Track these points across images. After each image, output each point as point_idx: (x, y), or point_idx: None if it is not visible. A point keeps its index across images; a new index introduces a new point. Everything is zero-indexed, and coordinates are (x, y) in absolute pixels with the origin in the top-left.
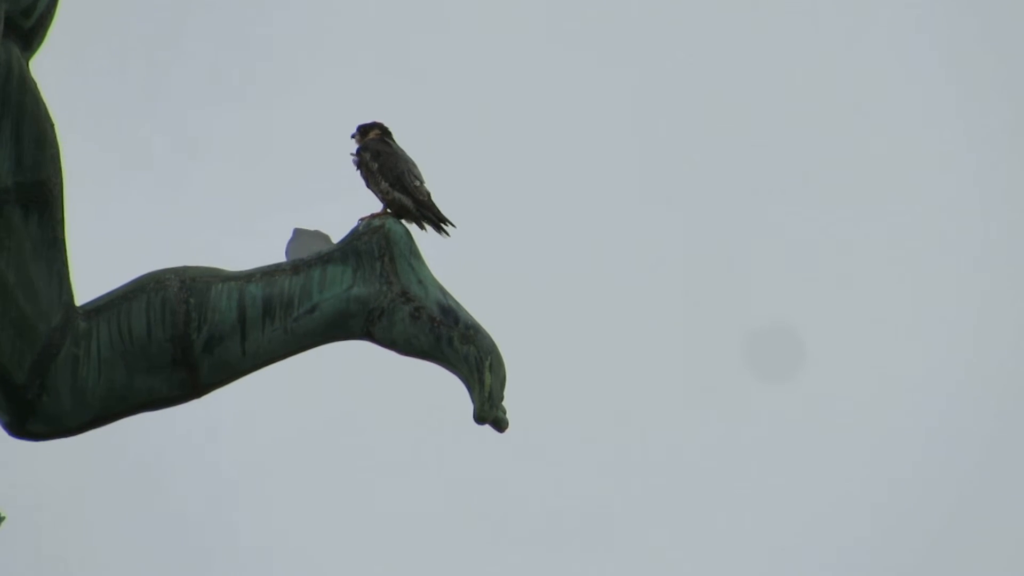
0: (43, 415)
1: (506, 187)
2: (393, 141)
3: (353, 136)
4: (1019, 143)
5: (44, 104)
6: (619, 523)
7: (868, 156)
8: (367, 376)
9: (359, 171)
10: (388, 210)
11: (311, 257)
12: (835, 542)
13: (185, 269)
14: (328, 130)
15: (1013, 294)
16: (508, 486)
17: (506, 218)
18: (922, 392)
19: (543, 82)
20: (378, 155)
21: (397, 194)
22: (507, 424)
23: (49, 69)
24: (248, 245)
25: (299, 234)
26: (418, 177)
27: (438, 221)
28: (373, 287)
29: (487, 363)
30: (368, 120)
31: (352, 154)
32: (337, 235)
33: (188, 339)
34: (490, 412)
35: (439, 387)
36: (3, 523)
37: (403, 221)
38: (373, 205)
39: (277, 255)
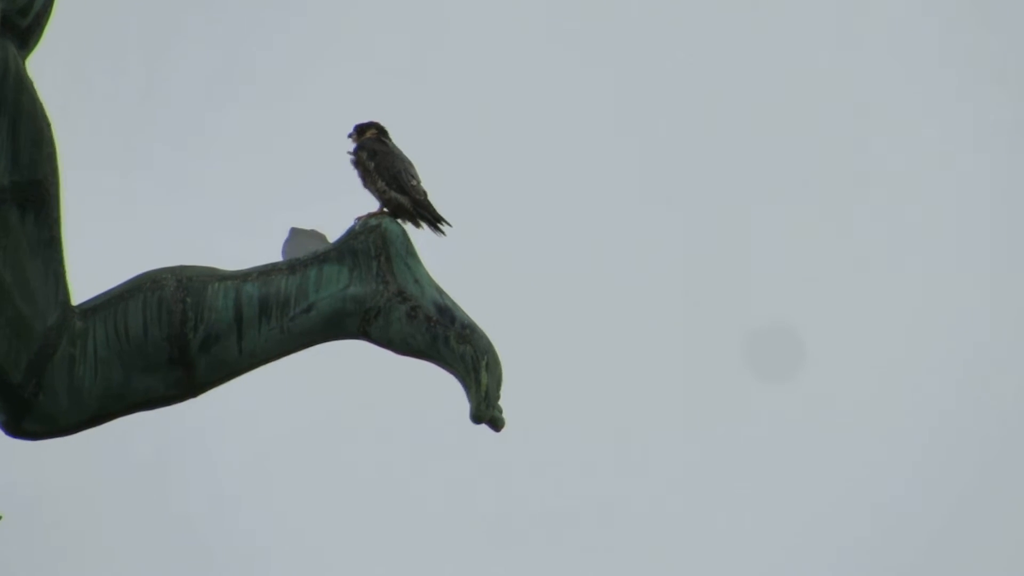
0: (39, 414)
1: (503, 186)
2: (390, 140)
3: (350, 135)
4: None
5: (41, 103)
6: (619, 523)
7: (869, 156)
8: (365, 375)
9: (356, 170)
10: (384, 209)
11: (307, 256)
12: (835, 542)
13: (182, 268)
14: (325, 130)
15: (1015, 293)
16: (507, 486)
17: (503, 217)
18: (922, 392)
19: (540, 80)
20: (374, 154)
21: (394, 193)
22: (503, 423)
23: (46, 68)
24: (245, 244)
25: (295, 233)
26: (415, 176)
27: (435, 220)
28: (369, 286)
29: (483, 362)
30: (365, 119)
31: (349, 153)
32: (333, 234)
33: (185, 338)
34: (487, 412)
35: (437, 387)
36: (0, 522)
37: (400, 220)
38: (369, 204)
39: (274, 254)
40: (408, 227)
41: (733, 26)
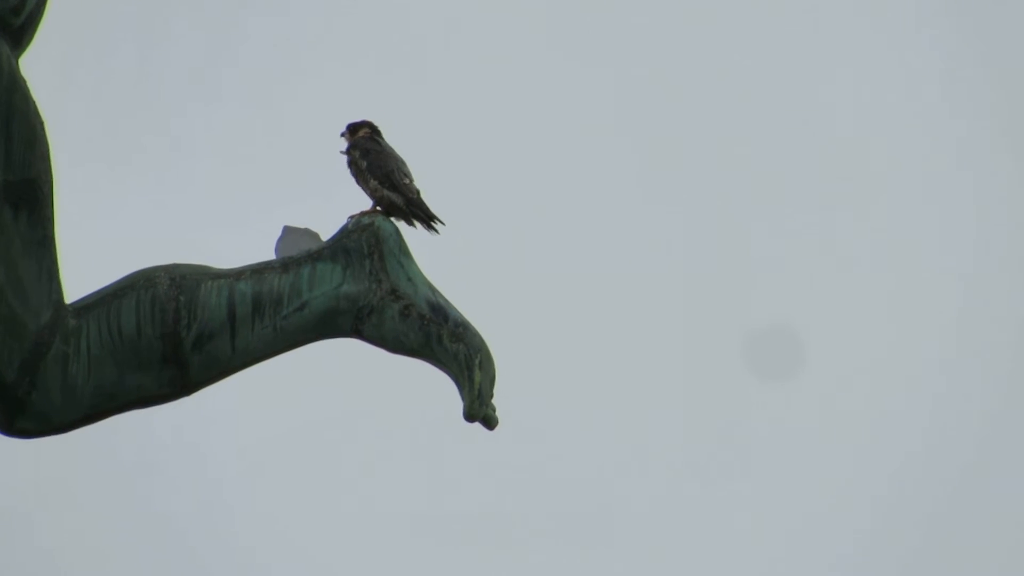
0: (33, 413)
1: (497, 184)
2: (382, 139)
3: (343, 135)
4: (1018, 144)
5: (34, 102)
6: (617, 523)
7: (868, 155)
8: (360, 374)
9: (349, 169)
10: (378, 208)
11: (301, 255)
12: (836, 541)
13: (175, 267)
14: (318, 128)
15: (1011, 293)
16: (502, 485)
17: (496, 215)
18: (922, 391)
19: (536, 78)
20: (367, 153)
21: (387, 192)
22: (497, 422)
23: (38, 67)
24: (238, 243)
25: (289, 232)
26: (407, 175)
27: (428, 219)
28: (362, 285)
29: (476, 361)
30: (357, 118)
31: (342, 152)
32: (326, 233)
33: (178, 336)
34: (480, 410)
35: (430, 385)
36: None
37: (393, 219)
38: (363, 203)
39: (267, 253)
40: (401, 225)
41: (733, 26)
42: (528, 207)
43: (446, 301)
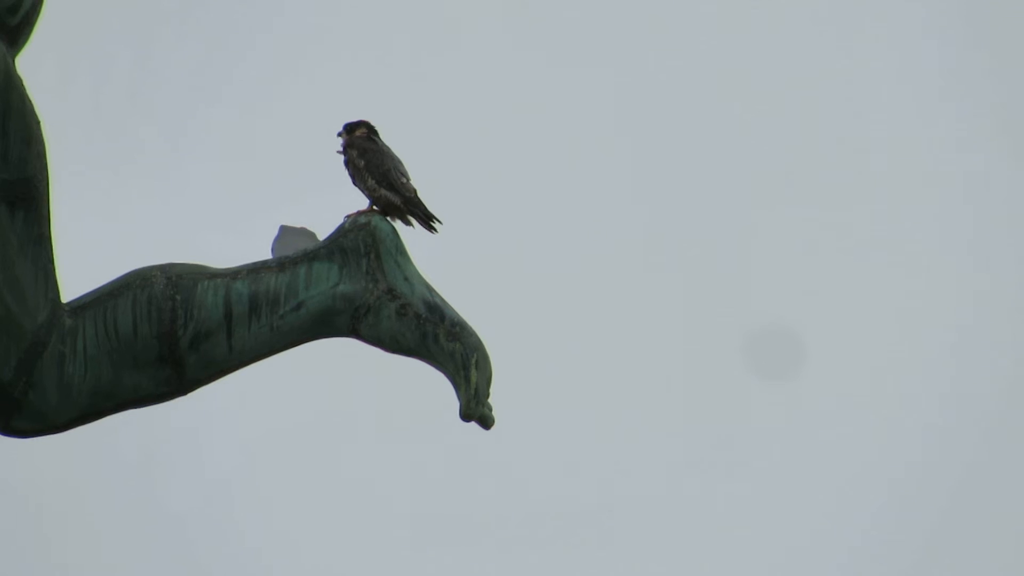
0: (29, 412)
1: (494, 183)
2: (379, 139)
3: (339, 134)
4: (1017, 142)
5: (30, 101)
6: (619, 523)
7: (867, 155)
8: (355, 374)
9: (346, 168)
10: (374, 207)
11: (297, 254)
12: (836, 541)
13: (171, 266)
14: (314, 128)
15: (1011, 292)
16: (505, 485)
17: (493, 215)
18: (922, 391)
19: (533, 77)
20: (364, 152)
21: (384, 191)
22: (493, 421)
23: (37, 68)
24: (234, 242)
25: (285, 231)
26: (404, 174)
27: (425, 218)
28: (359, 284)
29: (473, 360)
30: (353, 118)
31: (339, 152)
32: (323, 232)
33: (174, 336)
34: (476, 409)
35: (427, 384)
36: None
37: (389, 218)
38: (359, 202)
39: (263, 252)
40: (398, 225)
41: (732, 25)
42: (525, 206)
43: (443, 300)
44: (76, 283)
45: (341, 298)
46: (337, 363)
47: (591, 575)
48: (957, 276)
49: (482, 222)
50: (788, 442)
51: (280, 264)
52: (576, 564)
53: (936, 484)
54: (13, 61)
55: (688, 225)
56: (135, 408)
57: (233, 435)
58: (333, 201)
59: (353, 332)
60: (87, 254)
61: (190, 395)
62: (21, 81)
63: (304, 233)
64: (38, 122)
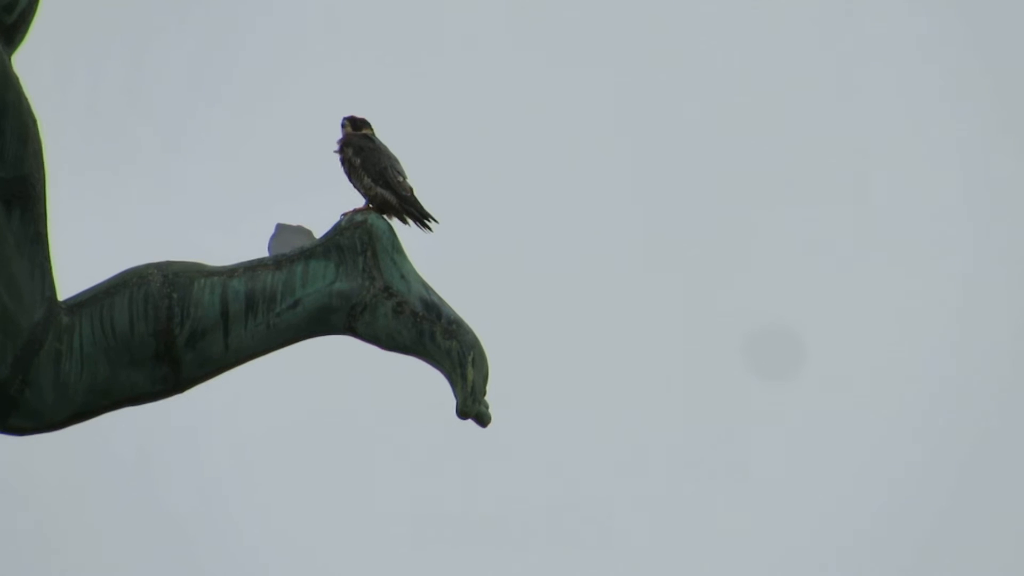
0: (26, 410)
1: (491, 182)
2: (376, 137)
3: (343, 125)
4: (1016, 141)
5: (27, 100)
6: (619, 523)
7: (867, 155)
8: (352, 372)
9: (342, 166)
10: (371, 205)
11: (293, 252)
12: (836, 541)
13: (168, 264)
14: (310, 126)
15: (1011, 292)
16: (505, 485)
17: (490, 213)
18: (922, 391)
19: (532, 75)
20: (360, 150)
21: (380, 189)
22: (490, 419)
23: (34, 67)
24: (231, 240)
25: (281, 229)
26: (401, 172)
27: (421, 217)
28: (355, 282)
29: (470, 358)
30: (358, 115)
31: (335, 151)
32: (319, 230)
33: (171, 334)
34: (473, 407)
35: (424, 383)
36: None
37: (386, 216)
38: (355, 200)
39: (260, 250)
40: (395, 223)
41: (730, 25)
42: (523, 204)
43: (439, 298)
44: (73, 281)
45: (337, 296)
46: (334, 361)
47: (591, 575)
48: (957, 276)
49: (479, 220)
50: (788, 442)
51: (277, 262)
52: (576, 564)
53: (936, 484)
54: (9, 59)
55: (688, 225)
56: (132, 406)
57: (230, 433)
58: (329, 199)
59: (349, 330)
60: (84, 252)
61: (186, 393)
62: (17, 79)
63: (300, 231)
64: (34, 120)
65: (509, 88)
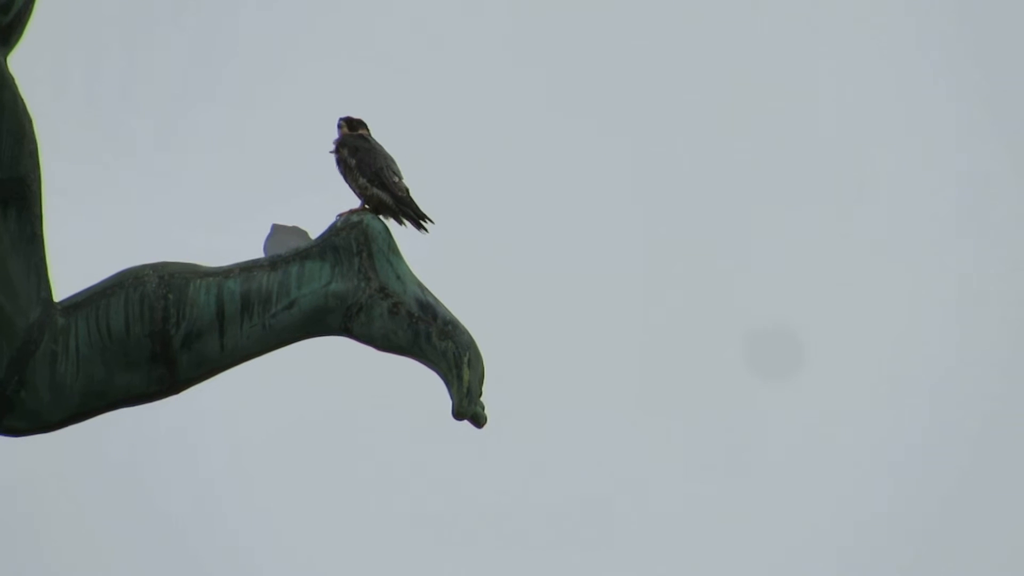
0: (22, 411)
1: (486, 183)
2: (371, 137)
3: (339, 125)
4: (1015, 141)
5: (22, 100)
6: (619, 523)
7: (867, 155)
8: (347, 372)
9: (338, 167)
10: (366, 206)
11: (289, 253)
12: (836, 541)
13: (164, 265)
14: (306, 126)
15: (1011, 292)
16: (504, 485)
17: (486, 214)
18: (922, 391)
19: (526, 75)
20: (356, 151)
21: (375, 190)
22: (486, 420)
23: (30, 67)
24: (227, 241)
25: (277, 230)
26: (396, 173)
27: (417, 217)
28: (351, 283)
29: (465, 359)
30: (354, 115)
31: (331, 151)
32: (315, 231)
33: (166, 335)
34: (468, 408)
35: (419, 383)
36: None
37: (381, 217)
38: (351, 201)
39: (255, 251)
40: (390, 223)
41: (728, 26)
42: (518, 205)
43: (435, 299)
44: (68, 282)
45: (333, 296)
46: (329, 362)
47: (591, 575)
48: (957, 276)
49: (475, 221)
50: (788, 442)
51: (272, 263)
52: (576, 564)
53: (936, 484)
54: (5, 60)
55: (688, 225)
56: (127, 407)
57: (225, 434)
58: (325, 200)
59: (345, 331)
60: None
61: (182, 394)
62: (13, 80)
63: (296, 232)
64: (30, 120)
65: (506, 88)
